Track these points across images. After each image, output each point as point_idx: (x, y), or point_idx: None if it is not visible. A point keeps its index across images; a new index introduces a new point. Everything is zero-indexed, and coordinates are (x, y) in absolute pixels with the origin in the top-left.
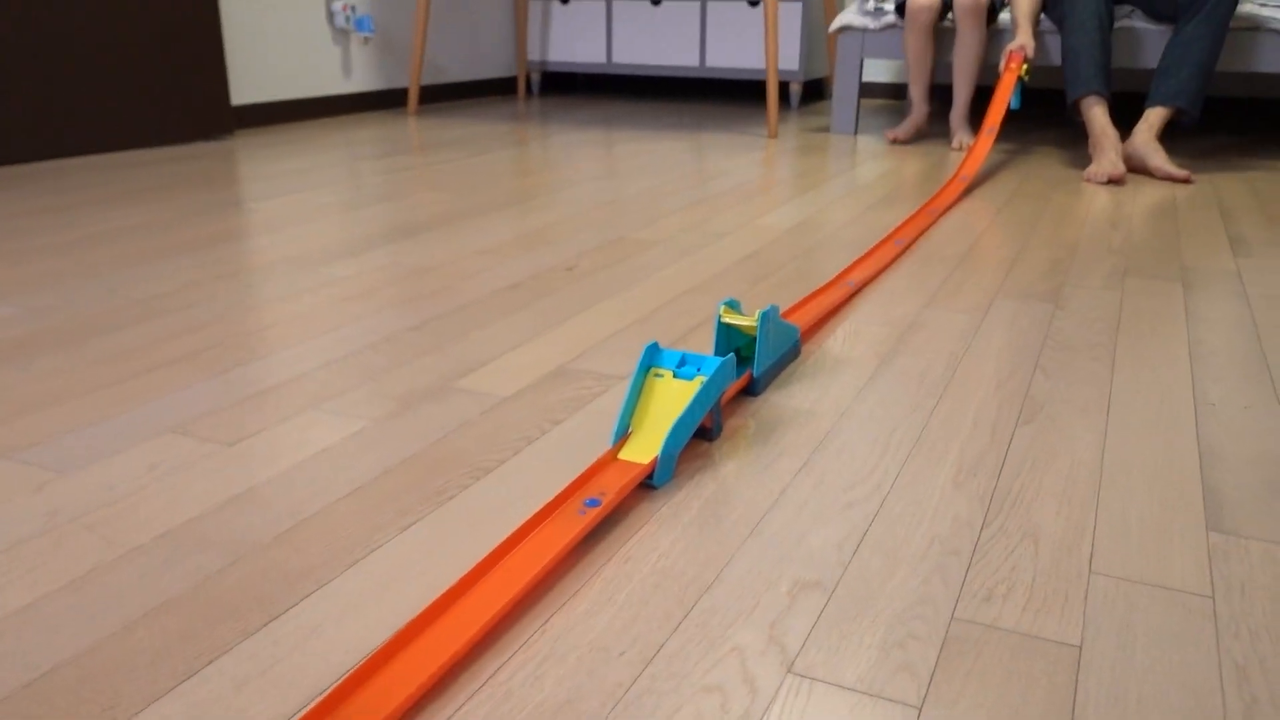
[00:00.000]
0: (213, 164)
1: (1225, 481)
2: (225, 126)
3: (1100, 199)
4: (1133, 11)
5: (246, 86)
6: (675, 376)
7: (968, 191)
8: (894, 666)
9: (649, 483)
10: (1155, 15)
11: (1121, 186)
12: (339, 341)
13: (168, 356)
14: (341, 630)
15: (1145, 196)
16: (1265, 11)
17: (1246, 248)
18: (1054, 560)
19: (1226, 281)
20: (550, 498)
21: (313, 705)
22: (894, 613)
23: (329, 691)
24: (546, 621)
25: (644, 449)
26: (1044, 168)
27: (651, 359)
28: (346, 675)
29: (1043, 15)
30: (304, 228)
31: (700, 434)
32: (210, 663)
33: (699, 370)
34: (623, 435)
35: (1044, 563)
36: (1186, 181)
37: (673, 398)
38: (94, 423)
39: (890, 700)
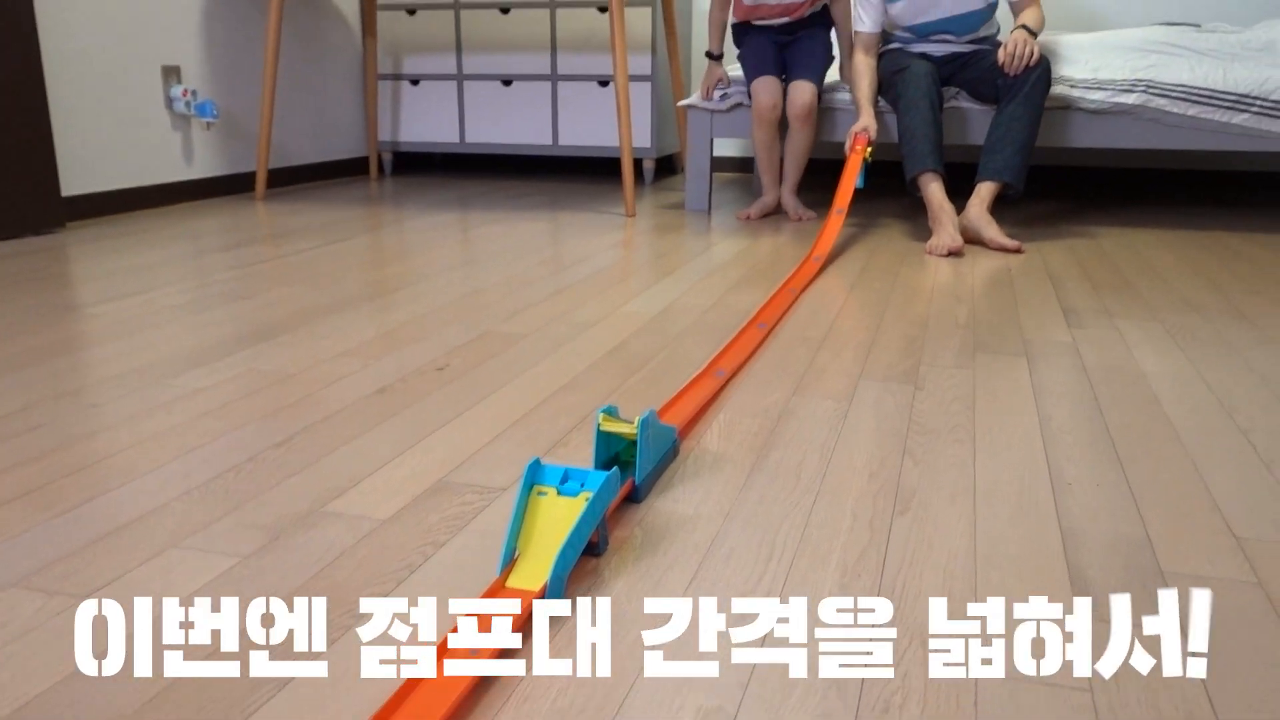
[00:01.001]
0: (42, 262)
1: (1088, 564)
2: (55, 219)
3: (943, 271)
4: (958, 93)
5: (78, 176)
6: (559, 494)
7: (822, 269)
8: None
9: None
10: (979, 96)
11: (961, 258)
12: (198, 465)
13: (3, 494)
14: None
15: (982, 267)
16: (1075, 92)
17: (1079, 318)
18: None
19: (1065, 354)
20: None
21: None
22: None
23: None
24: None
25: (533, 574)
26: (889, 240)
27: (534, 476)
28: None
29: (879, 97)
30: (150, 334)
31: (587, 549)
32: None
33: (583, 486)
34: (510, 560)
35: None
36: (1018, 251)
37: (558, 516)
38: None
39: None
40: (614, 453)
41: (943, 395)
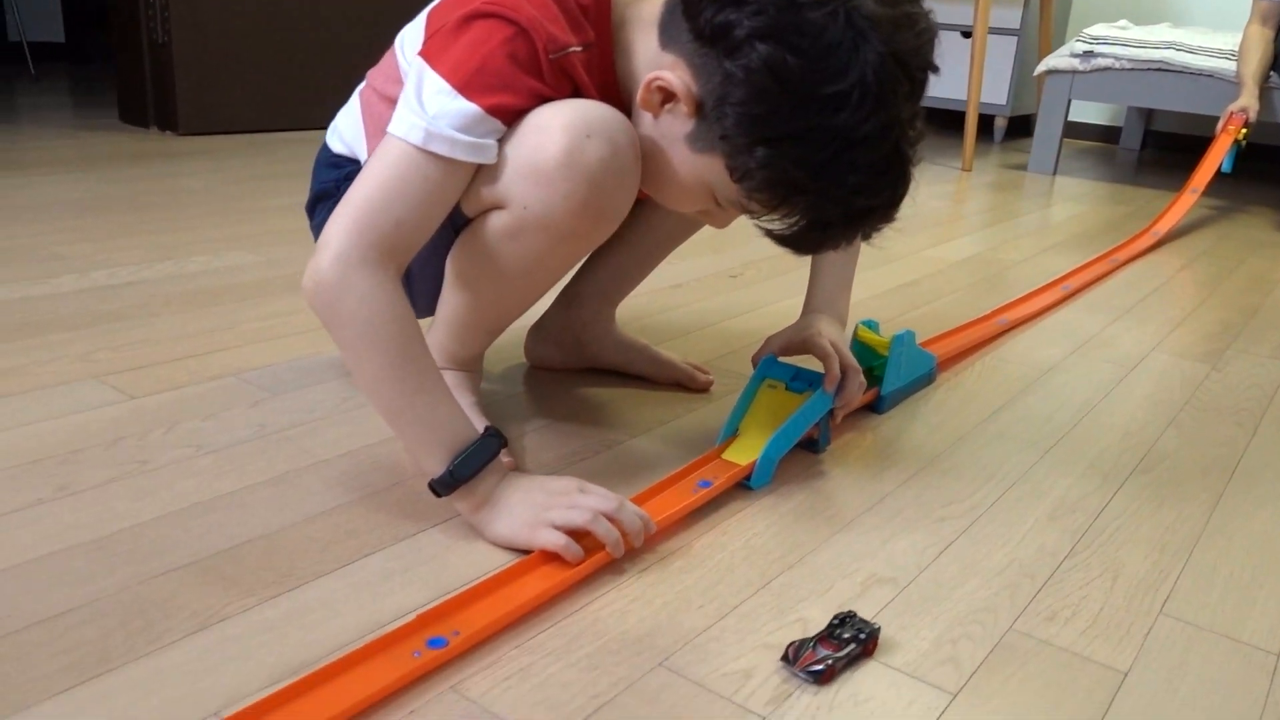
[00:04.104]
0: None
1: None
2: None
3: None
4: None
5: None
6: (788, 390)
7: (1157, 245)
8: (941, 658)
9: (746, 484)
10: None
11: None
12: None
13: None
14: (470, 553)
15: None
16: None
17: None
18: (1128, 597)
19: None
20: (669, 474)
21: (393, 629)
22: (955, 615)
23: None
24: (643, 572)
25: (747, 452)
26: (1246, 229)
27: (767, 370)
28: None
29: (1272, 72)
30: None
31: (807, 445)
32: (366, 555)
33: (810, 386)
34: (730, 436)
35: (1117, 598)
36: None
37: (782, 408)
38: (306, 356)
39: (929, 684)
40: (867, 365)
41: (1240, 381)
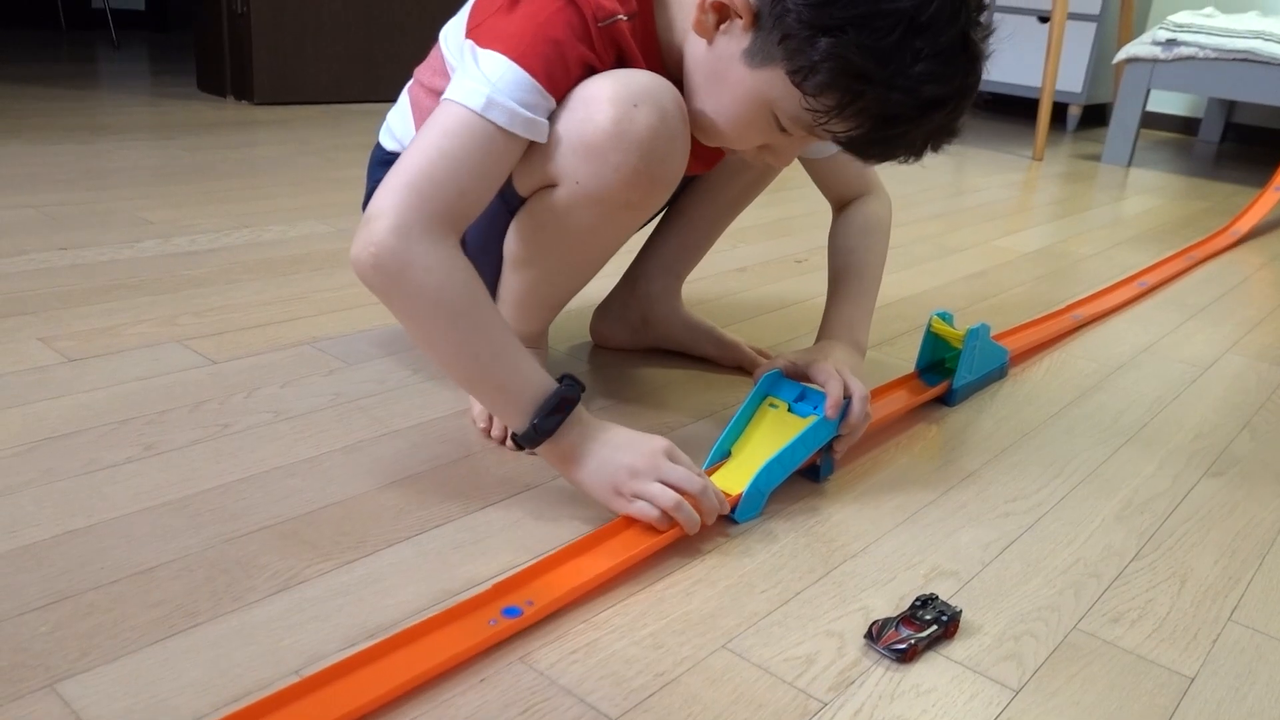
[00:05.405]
0: None
1: None
2: None
3: None
4: None
5: None
6: (790, 410)
7: (1237, 243)
8: (1003, 654)
9: (730, 517)
10: None
11: None
12: None
13: None
14: (538, 526)
15: None
16: None
17: None
18: (1195, 602)
19: None
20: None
21: (454, 602)
22: (1019, 612)
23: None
24: (707, 555)
25: (735, 480)
26: None
27: (770, 388)
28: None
29: None
30: None
31: (807, 473)
32: (437, 526)
33: (815, 409)
34: (721, 459)
35: (1184, 602)
36: None
37: (781, 432)
38: (378, 328)
39: (991, 679)
40: (939, 357)
41: None
